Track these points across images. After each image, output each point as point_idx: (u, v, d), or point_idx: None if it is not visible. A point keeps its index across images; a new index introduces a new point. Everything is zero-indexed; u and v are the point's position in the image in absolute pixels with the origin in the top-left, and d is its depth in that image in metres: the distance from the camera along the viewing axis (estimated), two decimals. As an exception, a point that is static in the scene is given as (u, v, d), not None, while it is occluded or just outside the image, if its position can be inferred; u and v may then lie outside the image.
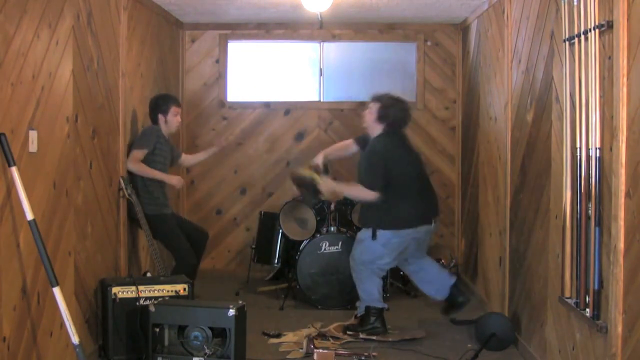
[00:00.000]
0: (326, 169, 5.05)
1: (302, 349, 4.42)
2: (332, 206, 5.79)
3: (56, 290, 3.31)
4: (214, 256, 6.80)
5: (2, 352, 3.07)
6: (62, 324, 3.50)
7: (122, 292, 4.18)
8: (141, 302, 4.20)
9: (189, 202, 6.76)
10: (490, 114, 5.40)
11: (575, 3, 3.29)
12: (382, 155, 4.75)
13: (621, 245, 2.87)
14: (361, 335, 4.77)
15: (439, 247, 6.70)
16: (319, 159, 5.07)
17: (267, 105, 6.84)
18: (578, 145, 3.29)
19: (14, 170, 3.11)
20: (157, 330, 4.01)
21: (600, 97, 3.09)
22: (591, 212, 3.15)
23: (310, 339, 4.44)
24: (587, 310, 3.19)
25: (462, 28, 6.57)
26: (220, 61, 6.80)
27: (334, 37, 6.82)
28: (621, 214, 2.86)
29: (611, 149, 2.95)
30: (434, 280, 5.09)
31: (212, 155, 5.75)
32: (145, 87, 5.38)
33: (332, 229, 5.71)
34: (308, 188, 4.91)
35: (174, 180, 5.04)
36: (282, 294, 5.75)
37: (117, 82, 4.68)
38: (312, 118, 6.80)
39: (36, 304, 3.41)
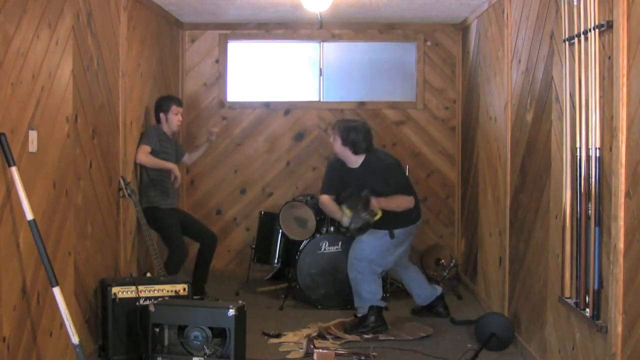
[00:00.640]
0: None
1: (302, 349, 4.42)
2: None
3: (56, 290, 3.31)
4: (214, 256, 6.78)
5: (2, 352, 3.07)
6: (62, 324, 3.50)
7: (122, 292, 4.18)
8: (141, 302, 4.20)
9: (189, 202, 6.75)
10: (490, 114, 5.40)
11: (575, 3, 3.29)
12: (398, 162, 5.07)
13: (621, 245, 2.87)
14: (365, 336, 4.79)
15: (439, 247, 6.70)
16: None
17: (267, 105, 6.84)
18: (578, 145, 3.29)
19: (14, 170, 3.11)
20: (157, 330, 4.01)
21: (600, 97, 3.09)
22: (591, 212, 3.15)
23: (310, 339, 4.44)
24: (587, 310, 3.20)
25: (462, 28, 6.57)
26: (220, 61, 6.80)
27: (333, 37, 6.82)
28: (621, 214, 2.86)
29: (611, 149, 2.95)
30: (421, 287, 5.30)
31: (207, 148, 5.95)
32: (145, 87, 5.38)
33: (332, 229, 5.70)
34: (356, 207, 4.79)
35: (175, 169, 5.21)
36: (282, 294, 5.75)
37: (117, 82, 4.68)
38: (312, 118, 6.80)
39: (36, 304, 3.41)
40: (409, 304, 5.73)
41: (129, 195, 4.69)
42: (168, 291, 4.29)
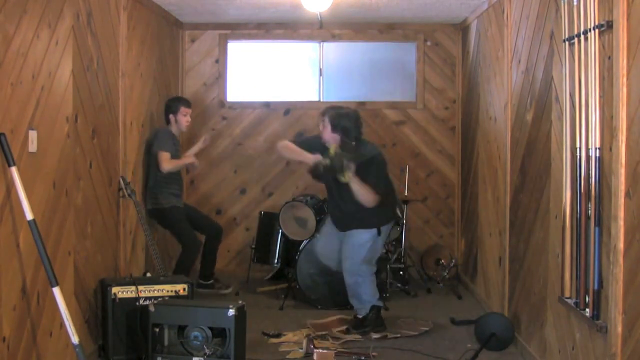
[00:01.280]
0: None
1: (302, 349, 4.42)
2: None
3: (56, 290, 3.31)
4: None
5: (2, 352, 3.07)
6: (61, 324, 3.50)
7: (121, 292, 4.18)
8: (141, 302, 4.20)
9: (189, 202, 6.74)
10: (490, 113, 5.40)
11: (575, 3, 3.29)
12: (384, 160, 4.94)
13: (621, 245, 2.87)
14: (375, 335, 4.80)
15: (439, 247, 6.71)
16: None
17: (267, 105, 6.84)
18: (578, 145, 3.29)
19: (14, 170, 3.11)
20: (157, 330, 4.01)
21: (600, 97, 3.09)
22: (591, 212, 3.15)
23: (310, 339, 4.44)
24: (587, 310, 3.19)
25: (462, 28, 6.57)
26: (220, 61, 6.80)
27: (333, 37, 6.82)
28: (621, 214, 2.86)
29: (611, 149, 2.95)
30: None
31: (202, 147, 5.98)
32: (145, 87, 5.38)
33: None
34: (337, 165, 4.69)
35: (194, 160, 5.63)
36: (282, 294, 5.75)
37: (116, 82, 4.68)
38: (312, 118, 6.78)
39: (36, 304, 3.41)
40: (409, 304, 5.74)
41: (129, 195, 4.69)
42: (168, 291, 4.29)
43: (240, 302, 4.10)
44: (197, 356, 3.95)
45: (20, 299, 3.26)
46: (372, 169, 4.78)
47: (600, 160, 3.09)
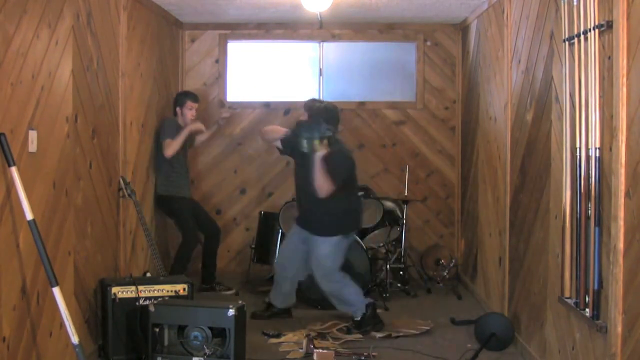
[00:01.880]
0: None
1: (302, 349, 4.42)
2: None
3: (56, 290, 3.31)
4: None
5: (1, 352, 3.07)
6: (61, 324, 3.50)
7: (121, 292, 4.18)
8: (141, 302, 4.19)
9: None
10: (490, 113, 5.40)
11: (575, 3, 3.29)
12: (353, 161, 4.98)
13: (621, 245, 2.87)
14: (379, 335, 4.81)
15: (439, 247, 6.71)
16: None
17: (267, 105, 6.84)
18: (578, 145, 3.29)
19: (14, 170, 3.11)
20: (157, 330, 4.01)
21: (600, 97, 3.09)
22: (591, 212, 3.15)
23: (310, 339, 4.44)
24: (587, 310, 3.19)
25: (462, 28, 6.57)
26: (220, 61, 6.80)
27: (333, 37, 6.82)
28: (621, 214, 2.86)
29: (611, 149, 2.95)
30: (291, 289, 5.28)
31: (215, 130, 6.25)
32: (145, 87, 5.38)
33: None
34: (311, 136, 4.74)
35: (198, 125, 5.78)
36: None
37: (116, 82, 4.68)
38: (312, 118, 6.78)
39: (36, 304, 3.41)
40: (409, 304, 5.73)
41: (129, 195, 4.69)
42: (168, 291, 4.29)
43: (240, 302, 4.10)
44: (197, 356, 3.95)
45: (20, 299, 3.26)
46: (338, 160, 4.78)
47: (600, 160, 3.09)
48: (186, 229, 5.75)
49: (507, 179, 4.77)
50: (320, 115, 4.89)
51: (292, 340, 4.69)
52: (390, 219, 6.02)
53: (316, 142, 4.67)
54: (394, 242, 6.12)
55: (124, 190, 4.68)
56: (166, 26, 6.10)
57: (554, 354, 3.80)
